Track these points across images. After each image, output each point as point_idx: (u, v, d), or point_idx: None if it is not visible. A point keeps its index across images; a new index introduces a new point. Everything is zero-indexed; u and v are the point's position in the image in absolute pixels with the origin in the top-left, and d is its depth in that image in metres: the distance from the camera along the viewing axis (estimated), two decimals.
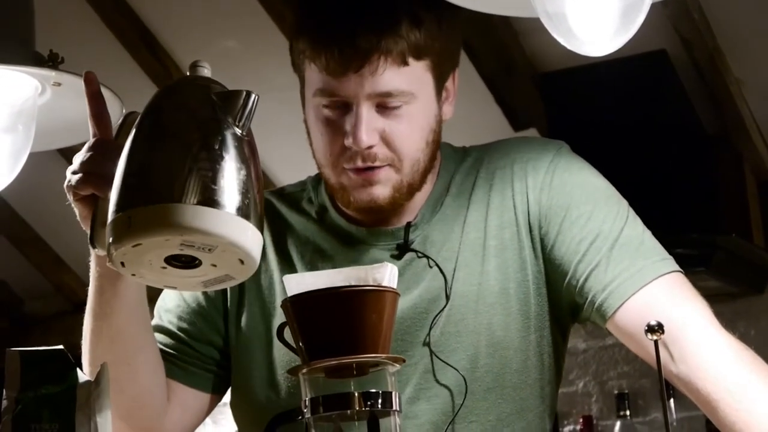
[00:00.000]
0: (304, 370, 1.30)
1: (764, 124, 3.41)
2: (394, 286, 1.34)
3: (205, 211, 1.24)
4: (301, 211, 1.70)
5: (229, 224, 1.25)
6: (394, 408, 1.30)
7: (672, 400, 3.46)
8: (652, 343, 1.48)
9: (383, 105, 1.57)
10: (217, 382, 1.72)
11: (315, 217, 1.69)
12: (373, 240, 1.65)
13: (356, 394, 1.29)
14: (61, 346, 1.34)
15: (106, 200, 1.34)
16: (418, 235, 1.64)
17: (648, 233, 1.62)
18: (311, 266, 1.65)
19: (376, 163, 1.58)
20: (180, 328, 1.69)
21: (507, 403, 1.61)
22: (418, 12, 1.56)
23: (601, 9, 1.39)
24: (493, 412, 1.61)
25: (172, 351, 1.68)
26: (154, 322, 1.68)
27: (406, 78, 1.57)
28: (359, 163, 1.58)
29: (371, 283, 1.31)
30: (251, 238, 1.28)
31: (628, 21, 1.38)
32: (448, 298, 1.61)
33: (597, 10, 1.39)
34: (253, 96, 1.31)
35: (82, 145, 1.54)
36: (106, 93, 1.70)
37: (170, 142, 1.29)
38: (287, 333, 1.37)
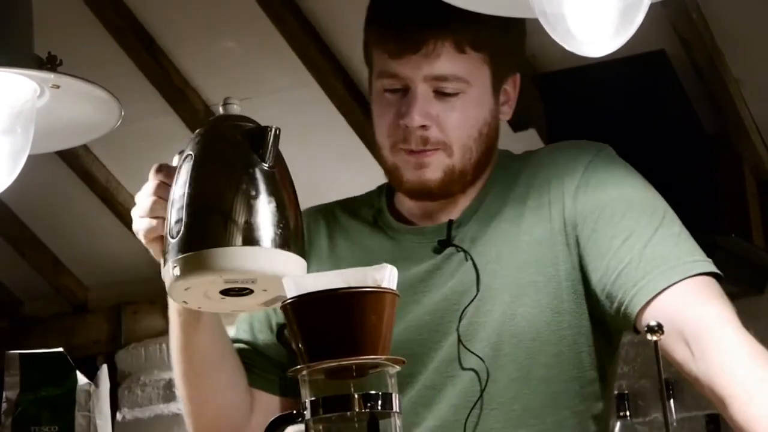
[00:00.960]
0: (304, 372, 1.30)
1: (764, 124, 3.41)
2: (394, 287, 1.34)
3: (237, 251, 1.39)
4: (358, 217, 1.80)
5: (260, 258, 1.39)
6: (394, 409, 1.30)
7: (672, 401, 3.46)
8: (676, 343, 1.50)
9: (440, 91, 1.66)
10: (295, 385, 1.77)
11: (370, 220, 1.78)
12: (417, 237, 1.72)
13: (356, 396, 1.29)
14: (60, 349, 1.34)
15: None
16: (459, 232, 1.70)
17: (685, 235, 1.63)
18: (360, 264, 1.70)
19: (429, 146, 1.66)
20: (255, 338, 1.77)
21: (535, 395, 1.63)
22: None
23: (599, 9, 1.39)
24: (518, 403, 1.63)
25: (250, 361, 1.76)
26: (232, 334, 1.74)
27: (462, 65, 1.65)
28: (412, 145, 1.66)
29: (371, 284, 1.31)
30: (285, 263, 1.41)
31: (627, 21, 1.38)
32: (478, 289, 1.64)
33: (595, 11, 1.39)
34: (272, 130, 1.43)
35: (80, 147, 1.58)
36: (103, 95, 1.70)
37: (202, 190, 1.43)
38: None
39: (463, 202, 1.72)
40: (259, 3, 3.27)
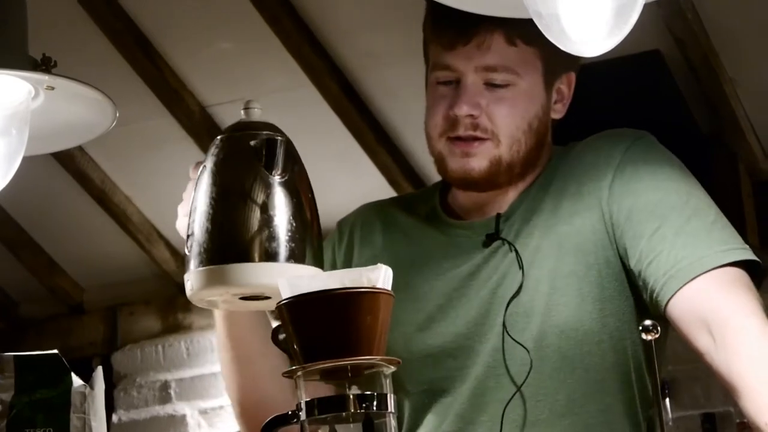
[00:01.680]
0: (299, 373, 1.30)
1: (758, 123, 3.41)
2: (389, 288, 1.34)
3: (243, 268, 1.42)
4: (413, 213, 1.82)
5: (266, 272, 1.42)
6: (389, 410, 1.30)
7: (668, 400, 3.46)
8: (699, 331, 1.51)
9: (490, 82, 1.69)
10: None
11: (424, 216, 1.80)
12: (468, 232, 1.74)
13: (351, 396, 1.29)
14: (55, 351, 1.34)
15: None
16: (506, 225, 1.72)
17: (721, 223, 1.65)
18: (415, 263, 1.76)
19: (477, 133, 1.69)
20: None
21: (579, 384, 1.65)
22: None
23: (593, 9, 1.39)
24: (562, 392, 1.65)
25: None
26: (275, 324, 1.75)
27: (513, 57, 1.69)
28: (461, 131, 1.69)
29: (365, 285, 1.31)
30: (293, 272, 1.42)
31: (622, 21, 1.38)
32: (521, 282, 1.66)
33: (590, 11, 1.39)
34: (277, 141, 1.46)
35: (75, 148, 1.59)
36: (99, 97, 1.70)
37: (211, 205, 1.45)
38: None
39: (512, 196, 1.74)
40: (254, 4, 3.27)
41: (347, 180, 3.51)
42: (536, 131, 1.72)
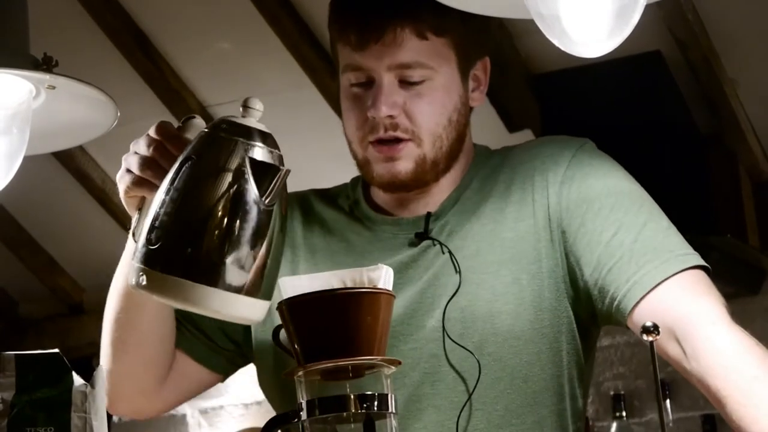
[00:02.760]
0: (300, 373, 1.30)
1: (759, 124, 3.42)
2: (390, 288, 1.34)
3: (202, 291, 1.34)
4: (335, 207, 1.77)
5: (222, 301, 1.35)
6: (390, 410, 1.30)
7: (668, 401, 3.46)
8: (668, 341, 1.49)
9: (405, 80, 1.64)
10: (222, 362, 1.78)
11: (347, 210, 1.75)
12: (395, 228, 1.70)
13: (352, 397, 1.29)
14: (56, 350, 1.34)
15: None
16: (437, 224, 1.68)
17: (672, 229, 1.62)
18: (336, 256, 1.71)
19: (398, 133, 1.64)
20: None
21: (516, 395, 1.62)
22: None
23: (595, 10, 1.39)
24: (501, 402, 1.61)
25: (185, 323, 1.73)
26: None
27: (426, 51, 1.63)
28: (381, 133, 1.64)
29: (366, 285, 1.31)
30: (246, 310, 1.36)
31: (623, 22, 1.38)
32: (458, 285, 1.63)
33: (591, 12, 1.39)
34: (282, 172, 1.37)
35: (76, 148, 1.57)
36: (100, 96, 1.70)
37: (189, 209, 1.37)
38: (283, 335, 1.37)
39: (439, 193, 1.70)
40: (254, 4, 3.27)
41: (347, 179, 3.50)
42: (456, 123, 1.67)
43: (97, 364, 1.65)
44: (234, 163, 1.37)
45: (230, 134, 1.39)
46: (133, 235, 1.53)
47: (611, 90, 3.19)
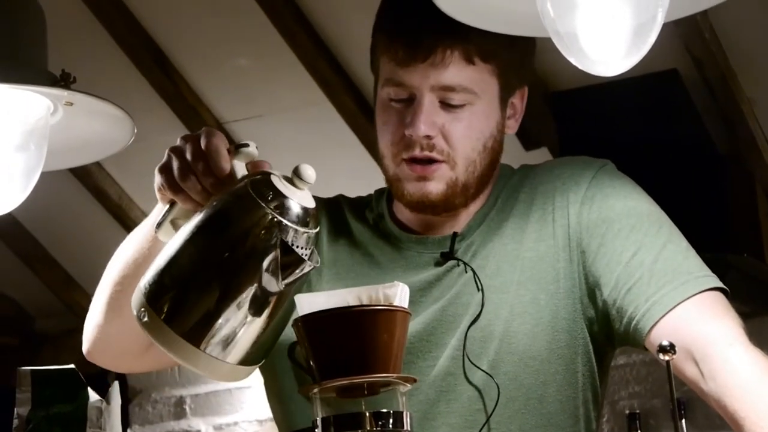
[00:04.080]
0: (315, 390, 1.30)
1: None
2: (405, 305, 1.34)
3: (200, 356, 1.34)
4: (362, 218, 1.76)
5: (216, 369, 1.35)
6: (405, 428, 1.30)
7: (684, 420, 3.45)
8: (685, 362, 1.49)
9: (446, 102, 1.63)
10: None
11: (371, 224, 1.74)
12: (420, 247, 1.69)
13: (367, 414, 1.29)
14: (72, 365, 1.34)
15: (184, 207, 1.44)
16: (462, 245, 1.67)
17: (692, 251, 1.62)
18: (359, 268, 1.70)
19: (434, 154, 1.63)
20: None
21: (531, 415, 1.61)
22: None
23: (612, 28, 1.39)
24: (515, 423, 1.61)
25: None
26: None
27: (470, 76, 1.63)
28: (417, 152, 1.63)
29: (382, 302, 1.31)
30: (234, 374, 1.38)
31: (640, 40, 1.37)
32: (482, 305, 1.62)
33: (609, 30, 1.39)
34: (307, 266, 1.35)
35: (93, 164, 1.55)
36: (117, 112, 1.71)
37: (206, 271, 1.36)
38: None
39: (465, 215, 1.69)
40: (270, 20, 3.28)
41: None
42: (491, 150, 1.67)
43: (112, 379, 1.65)
44: (263, 240, 1.34)
45: (270, 206, 1.35)
46: (157, 227, 1.51)
47: (628, 108, 3.19)
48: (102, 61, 3.41)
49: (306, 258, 1.35)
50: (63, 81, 1.66)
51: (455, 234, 1.68)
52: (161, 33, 3.43)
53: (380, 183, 1.80)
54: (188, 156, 1.46)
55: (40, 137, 1.71)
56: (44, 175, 1.76)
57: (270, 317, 1.36)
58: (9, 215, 1.80)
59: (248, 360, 1.38)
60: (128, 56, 3.44)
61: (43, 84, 1.65)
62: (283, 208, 1.35)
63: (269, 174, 1.39)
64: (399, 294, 1.32)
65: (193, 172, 1.45)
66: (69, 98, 1.66)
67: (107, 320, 1.65)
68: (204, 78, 3.52)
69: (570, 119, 3.29)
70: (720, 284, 1.59)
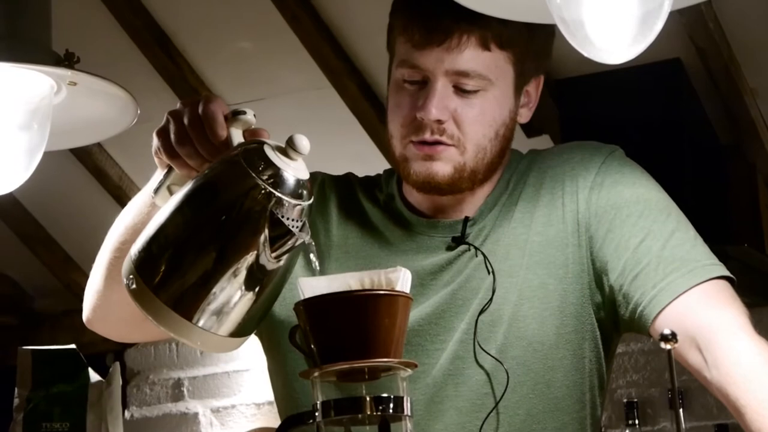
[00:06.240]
0: (316, 374, 1.30)
1: None
2: (407, 290, 1.34)
3: (189, 328, 1.32)
4: (372, 199, 1.75)
5: (206, 340, 1.33)
6: (405, 413, 1.30)
7: (682, 410, 3.45)
8: (689, 349, 1.50)
9: (460, 87, 1.63)
10: None
11: (382, 205, 1.74)
12: (431, 231, 1.69)
13: (368, 399, 1.29)
14: (73, 346, 1.34)
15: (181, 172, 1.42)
16: (474, 229, 1.67)
17: (699, 239, 1.62)
18: (369, 249, 1.70)
19: (443, 138, 1.63)
20: None
21: (539, 400, 1.62)
22: None
23: (619, 16, 1.38)
24: (523, 407, 1.61)
25: None
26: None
27: (486, 63, 1.62)
28: (427, 136, 1.63)
29: (384, 287, 1.31)
30: (225, 345, 1.36)
31: (646, 28, 1.37)
32: (494, 290, 1.62)
33: (615, 18, 1.39)
34: (298, 240, 1.33)
35: (93, 145, 1.55)
36: (120, 93, 1.71)
37: (195, 239, 1.34)
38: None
39: (474, 200, 1.69)
40: (274, 3, 3.27)
41: None
42: (502, 138, 1.66)
43: (111, 360, 1.64)
44: (255, 211, 1.33)
45: (262, 177, 1.34)
46: (155, 192, 1.51)
47: (630, 97, 3.18)
48: (106, 43, 3.41)
49: (297, 230, 1.33)
50: (67, 61, 1.66)
51: (467, 218, 1.68)
52: (165, 15, 3.42)
53: (381, 168, 1.80)
54: (185, 121, 1.45)
55: (43, 117, 1.71)
56: (45, 156, 1.76)
57: (260, 290, 1.35)
58: (9, 195, 1.80)
59: (238, 332, 1.36)
60: (131, 38, 3.43)
61: (47, 63, 1.65)
62: (274, 179, 1.33)
63: (263, 143, 1.37)
64: (401, 279, 1.32)
65: (189, 138, 1.44)
66: (73, 78, 1.67)
67: (106, 286, 1.64)
68: (207, 60, 3.52)
69: (572, 107, 3.29)
70: (727, 273, 1.59)
